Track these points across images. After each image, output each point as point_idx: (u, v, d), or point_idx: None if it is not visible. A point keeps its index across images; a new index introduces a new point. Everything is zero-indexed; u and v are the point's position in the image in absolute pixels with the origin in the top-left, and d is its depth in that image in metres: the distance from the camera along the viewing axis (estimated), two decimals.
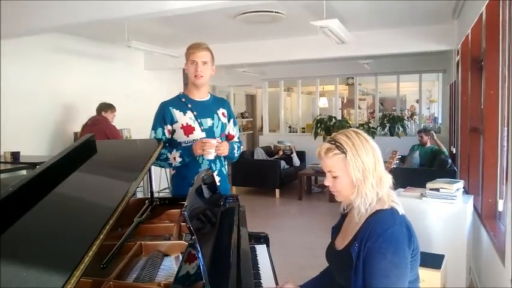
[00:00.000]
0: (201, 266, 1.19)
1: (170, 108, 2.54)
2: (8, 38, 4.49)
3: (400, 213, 1.48)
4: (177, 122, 2.53)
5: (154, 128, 2.57)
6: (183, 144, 2.54)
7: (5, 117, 4.75)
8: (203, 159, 2.54)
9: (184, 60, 2.57)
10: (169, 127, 2.55)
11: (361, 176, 1.46)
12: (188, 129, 2.54)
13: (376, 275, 1.38)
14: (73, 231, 1.24)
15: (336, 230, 1.71)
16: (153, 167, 2.58)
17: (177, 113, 2.54)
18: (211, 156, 2.49)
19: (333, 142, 1.51)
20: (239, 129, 10.86)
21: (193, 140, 2.53)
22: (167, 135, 2.56)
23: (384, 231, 1.40)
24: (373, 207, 1.48)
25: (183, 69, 7.90)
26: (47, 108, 5.47)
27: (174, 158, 2.50)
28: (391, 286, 1.37)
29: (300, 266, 4.00)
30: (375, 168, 1.48)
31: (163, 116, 2.54)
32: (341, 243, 1.59)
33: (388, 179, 1.52)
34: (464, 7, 4.46)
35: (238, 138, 2.84)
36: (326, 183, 1.55)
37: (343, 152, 1.47)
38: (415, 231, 1.49)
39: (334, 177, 1.51)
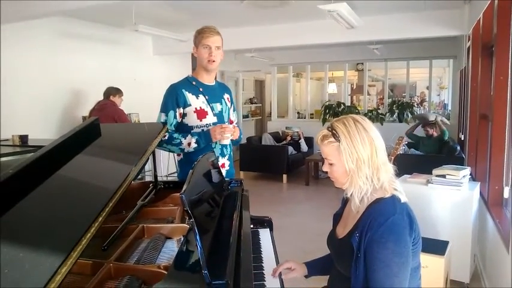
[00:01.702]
0: (199, 248, 1.20)
1: (183, 90, 2.49)
2: (15, 22, 4.50)
3: (402, 201, 1.46)
4: (190, 105, 2.49)
5: (165, 111, 2.49)
6: (195, 129, 2.52)
7: (13, 101, 4.78)
8: (215, 144, 2.53)
9: (193, 44, 2.53)
10: (181, 110, 2.49)
11: (355, 166, 1.43)
12: (201, 114, 2.51)
13: (378, 264, 1.37)
14: (72, 214, 1.25)
15: (337, 217, 1.70)
16: (160, 151, 2.59)
17: (190, 96, 2.49)
18: (228, 141, 2.50)
19: (330, 129, 1.48)
20: (247, 115, 10.85)
21: (206, 124, 2.52)
22: (178, 118, 2.51)
23: (385, 220, 1.38)
24: (373, 196, 1.46)
25: (192, 54, 7.93)
26: (54, 93, 5.48)
27: (189, 144, 2.46)
28: (393, 275, 1.36)
29: (305, 251, 4.02)
30: (370, 159, 1.43)
31: (176, 98, 2.47)
32: (342, 232, 1.59)
33: (388, 168, 1.48)
34: None
35: (237, 123, 2.83)
36: (324, 169, 1.55)
37: (338, 140, 1.44)
38: (416, 218, 1.47)
39: (331, 164, 1.50)
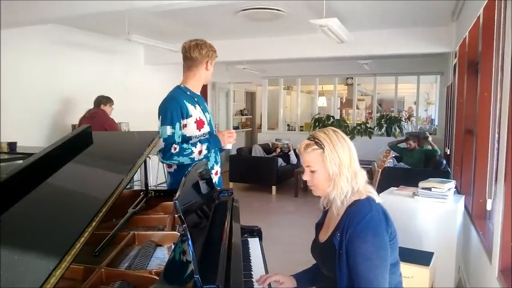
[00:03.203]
0: (191, 253, 1.22)
1: (184, 101, 2.50)
2: (8, 28, 4.50)
3: (377, 201, 1.59)
4: (191, 116, 2.51)
5: (171, 123, 2.45)
6: (193, 139, 2.54)
7: (2, 107, 4.76)
8: (210, 152, 2.57)
9: (206, 58, 2.58)
10: (184, 121, 2.50)
11: (337, 169, 1.56)
12: (200, 123, 2.55)
13: (360, 258, 1.47)
14: (65, 220, 1.27)
15: (319, 226, 1.80)
16: (150, 161, 2.61)
17: (190, 107, 2.51)
18: (230, 146, 2.60)
19: (312, 139, 1.61)
20: (238, 126, 10.90)
21: (203, 133, 2.56)
22: (182, 129, 2.52)
23: (363, 217, 1.50)
24: (351, 198, 1.58)
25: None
26: (45, 100, 5.48)
27: (200, 152, 2.48)
28: (374, 267, 1.47)
29: (294, 261, 4.00)
30: (350, 164, 1.58)
31: (181, 110, 2.47)
32: (324, 237, 1.68)
33: (363, 174, 1.62)
34: (463, 9, 4.49)
35: None
36: (304, 177, 1.65)
37: (321, 147, 1.57)
38: (390, 216, 1.60)
39: (312, 172, 1.61)
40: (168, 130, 2.45)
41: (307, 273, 1.89)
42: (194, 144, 2.49)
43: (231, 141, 2.57)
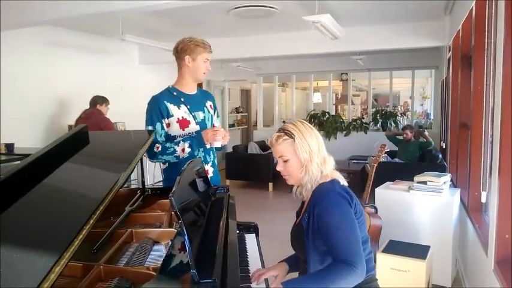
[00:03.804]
0: (187, 248, 1.24)
1: (165, 102, 2.53)
2: (2, 30, 4.49)
3: (341, 183, 1.71)
4: (172, 116, 2.53)
5: (152, 124, 2.52)
6: (178, 138, 2.55)
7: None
8: (199, 150, 2.58)
9: (185, 54, 2.55)
10: (166, 121, 2.53)
11: (308, 156, 1.68)
12: (184, 123, 2.56)
13: (331, 231, 1.56)
14: (63, 219, 1.28)
15: (298, 214, 1.89)
16: (146, 160, 2.62)
17: (171, 107, 2.54)
18: (219, 144, 2.58)
19: (282, 130, 1.73)
20: (233, 124, 10.89)
21: (189, 133, 2.56)
22: (166, 129, 2.55)
23: (327, 194, 1.63)
24: (318, 182, 1.70)
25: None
26: (40, 101, 5.48)
27: (183, 150, 2.50)
28: (347, 236, 1.56)
29: None
30: (319, 150, 1.70)
31: (160, 110, 2.51)
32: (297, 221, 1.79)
33: (331, 161, 1.75)
34: (455, 3, 4.52)
35: None
36: (278, 168, 1.74)
37: (292, 137, 1.68)
38: (354, 195, 1.71)
39: (285, 161, 1.71)
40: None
41: (294, 258, 1.95)
42: (177, 143, 2.52)
43: (218, 139, 2.54)
